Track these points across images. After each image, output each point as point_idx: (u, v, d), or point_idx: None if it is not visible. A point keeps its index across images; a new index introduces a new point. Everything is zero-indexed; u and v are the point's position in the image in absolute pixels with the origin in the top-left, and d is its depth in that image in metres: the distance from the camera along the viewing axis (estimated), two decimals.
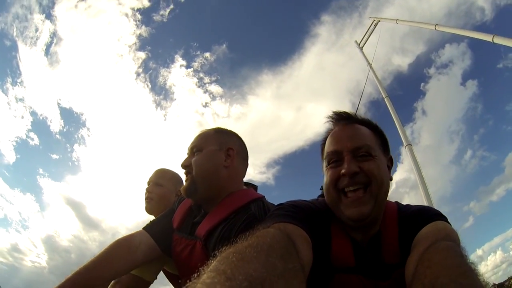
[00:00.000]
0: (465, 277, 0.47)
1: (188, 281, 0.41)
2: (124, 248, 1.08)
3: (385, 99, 7.64)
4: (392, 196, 0.94)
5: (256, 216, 1.00)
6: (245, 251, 0.46)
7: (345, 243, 0.84)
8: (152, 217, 1.68)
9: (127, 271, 1.10)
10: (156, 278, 1.31)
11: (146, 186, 1.76)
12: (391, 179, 0.89)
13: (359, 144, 0.83)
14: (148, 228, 1.18)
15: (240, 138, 1.25)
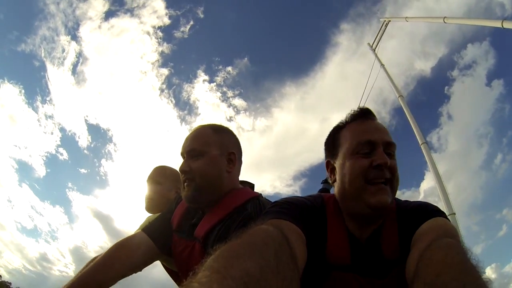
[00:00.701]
0: (466, 275, 0.47)
1: None
2: (124, 251, 1.08)
3: (399, 99, 7.52)
4: None
5: (252, 216, 1.00)
6: (239, 249, 0.46)
7: (342, 239, 0.83)
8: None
9: (128, 273, 1.08)
10: (140, 270, 1.30)
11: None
12: None
13: (391, 140, 0.86)
14: (147, 229, 1.18)
15: (236, 137, 1.23)
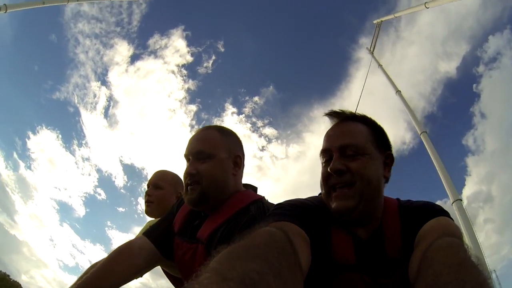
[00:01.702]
0: (468, 274, 0.47)
1: None
2: (125, 256, 1.07)
3: (397, 94, 7.36)
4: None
5: (256, 218, 0.99)
6: (241, 251, 0.46)
7: (346, 239, 0.83)
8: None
9: (130, 279, 1.07)
10: (141, 276, 1.29)
11: (146, 188, 1.75)
12: (386, 176, 0.89)
13: (346, 142, 0.85)
14: (148, 233, 1.17)
15: (240, 140, 1.23)
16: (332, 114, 0.95)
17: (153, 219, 1.67)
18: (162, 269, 1.49)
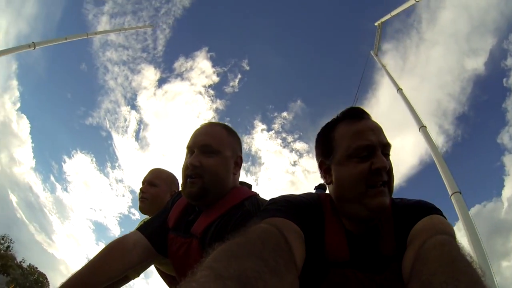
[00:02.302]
0: (461, 273, 0.47)
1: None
2: (118, 251, 1.06)
3: (398, 92, 7.41)
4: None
5: (250, 213, 0.99)
6: (237, 248, 0.46)
7: (340, 235, 0.83)
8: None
9: (122, 274, 1.06)
10: (138, 276, 1.29)
11: (141, 186, 1.75)
12: None
13: (387, 141, 0.84)
14: (142, 228, 1.17)
15: (241, 141, 1.23)
16: (356, 111, 0.90)
17: (147, 216, 1.68)
18: (156, 267, 1.50)
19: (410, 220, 0.78)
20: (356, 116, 0.88)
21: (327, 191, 0.95)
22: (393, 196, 0.89)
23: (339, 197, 0.86)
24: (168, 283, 1.50)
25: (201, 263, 0.42)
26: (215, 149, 1.07)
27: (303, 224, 0.75)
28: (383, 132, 0.85)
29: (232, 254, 0.43)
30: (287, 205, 0.81)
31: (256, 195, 1.12)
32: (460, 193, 4.70)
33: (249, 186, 1.25)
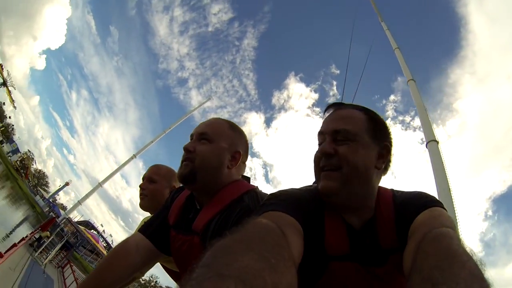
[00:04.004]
0: (462, 266, 0.46)
1: None
2: (122, 255, 1.08)
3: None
4: None
5: (250, 208, 1.00)
6: (235, 245, 0.45)
7: (340, 228, 0.84)
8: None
9: (128, 278, 1.09)
10: (143, 275, 1.29)
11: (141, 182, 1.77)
12: (378, 167, 0.87)
13: (338, 127, 0.86)
14: (144, 229, 1.18)
15: (247, 141, 1.24)
16: (333, 104, 0.97)
17: (148, 215, 1.72)
18: (162, 265, 1.55)
19: (411, 213, 0.78)
20: (328, 109, 0.96)
21: None
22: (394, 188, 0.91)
23: None
24: (174, 278, 1.55)
25: (199, 260, 0.41)
26: (210, 137, 1.11)
27: (302, 217, 0.75)
28: (345, 120, 0.87)
29: (230, 251, 0.43)
30: (286, 198, 0.81)
31: (255, 188, 1.13)
32: (437, 141, 4.99)
33: (248, 179, 1.25)
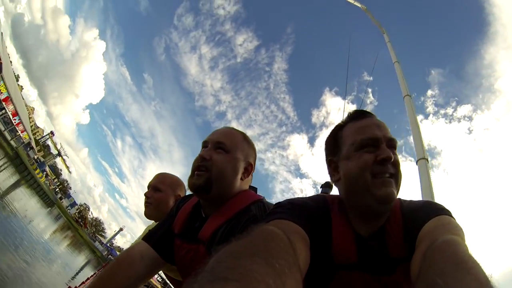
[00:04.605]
0: (466, 273, 0.46)
1: None
2: (125, 264, 1.07)
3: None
4: None
5: (257, 217, 1.00)
6: (241, 250, 0.45)
7: (348, 237, 0.83)
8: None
9: (131, 287, 1.06)
10: (145, 283, 1.25)
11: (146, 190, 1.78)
12: None
13: (391, 136, 0.87)
14: (148, 238, 1.17)
15: (256, 152, 1.25)
16: (361, 111, 0.97)
17: (152, 223, 1.73)
18: (165, 273, 1.55)
19: (419, 221, 0.77)
20: (361, 115, 0.93)
21: (334, 191, 0.97)
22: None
23: (347, 190, 0.88)
24: None
25: (204, 264, 0.41)
26: (228, 147, 1.10)
27: (309, 226, 0.75)
28: (387, 129, 0.89)
29: (235, 256, 0.42)
30: (293, 207, 0.81)
31: (262, 199, 1.13)
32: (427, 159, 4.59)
33: (255, 189, 1.25)
